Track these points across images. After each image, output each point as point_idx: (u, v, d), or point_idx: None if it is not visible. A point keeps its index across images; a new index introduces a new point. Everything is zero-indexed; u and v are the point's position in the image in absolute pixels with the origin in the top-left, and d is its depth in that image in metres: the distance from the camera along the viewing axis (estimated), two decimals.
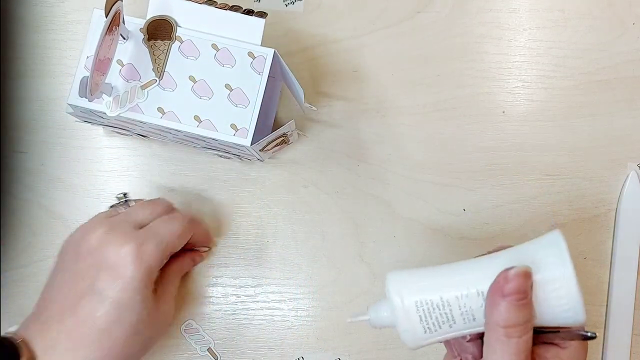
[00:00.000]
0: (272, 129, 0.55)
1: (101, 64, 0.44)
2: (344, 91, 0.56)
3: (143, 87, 0.46)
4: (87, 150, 0.56)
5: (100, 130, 0.56)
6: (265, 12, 0.47)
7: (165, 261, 0.45)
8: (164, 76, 0.47)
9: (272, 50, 0.47)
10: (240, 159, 0.54)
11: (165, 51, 0.47)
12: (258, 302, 0.54)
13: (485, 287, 0.36)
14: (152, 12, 0.47)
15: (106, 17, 0.42)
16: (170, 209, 0.49)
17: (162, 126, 0.46)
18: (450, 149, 0.55)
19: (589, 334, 0.36)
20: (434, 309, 0.36)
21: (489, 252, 0.39)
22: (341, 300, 0.54)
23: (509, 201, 0.55)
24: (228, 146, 0.48)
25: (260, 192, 0.55)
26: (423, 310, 0.37)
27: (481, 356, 0.37)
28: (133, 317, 0.43)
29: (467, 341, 0.39)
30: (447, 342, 0.42)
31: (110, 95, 0.46)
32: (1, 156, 0.56)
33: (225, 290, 0.54)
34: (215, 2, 0.48)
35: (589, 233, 0.54)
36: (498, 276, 0.35)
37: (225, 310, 0.54)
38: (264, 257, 0.55)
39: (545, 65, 0.56)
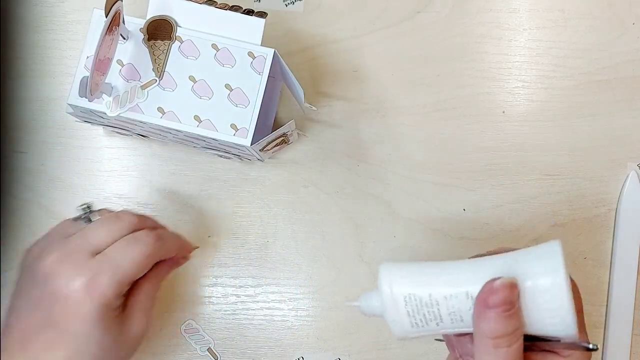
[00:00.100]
0: (272, 129, 0.55)
1: (101, 64, 0.44)
2: (344, 91, 0.56)
3: (143, 87, 0.46)
4: (87, 150, 0.56)
5: (100, 130, 0.56)
6: (265, 12, 0.47)
7: (126, 289, 0.42)
8: (164, 76, 0.47)
9: (272, 50, 0.47)
10: (240, 159, 0.54)
11: (165, 51, 0.47)
12: (258, 302, 0.54)
13: (474, 290, 0.35)
14: (152, 12, 0.47)
15: (106, 17, 0.41)
16: (135, 226, 0.43)
17: (162, 126, 0.46)
18: (450, 149, 0.55)
19: (590, 346, 0.36)
20: (422, 306, 0.36)
21: (489, 252, 0.39)
22: (341, 300, 0.54)
23: (509, 201, 0.55)
24: (228, 146, 0.48)
25: (260, 192, 0.55)
26: (411, 305, 0.36)
27: None
28: (93, 348, 0.40)
29: (457, 336, 0.39)
30: (450, 343, 0.42)
31: (110, 95, 0.46)
32: (1, 156, 0.56)
33: (225, 290, 0.54)
34: (215, 2, 0.48)
35: (589, 233, 0.54)
36: (484, 287, 0.35)
37: (225, 310, 0.54)
38: (264, 257, 0.55)
39: (545, 65, 0.56)
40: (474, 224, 0.55)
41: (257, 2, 0.57)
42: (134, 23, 0.47)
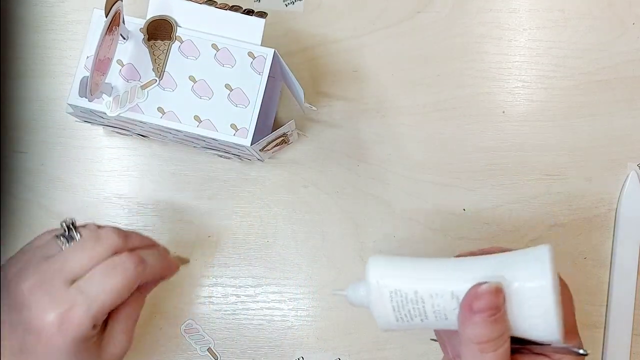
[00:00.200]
0: (272, 129, 0.55)
1: (101, 64, 0.44)
2: (344, 91, 0.56)
3: (143, 87, 0.46)
4: (87, 150, 0.56)
5: (100, 130, 0.56)
6: (265, 12, 0.47)
7: (103, 318, 0.40)
8: (164, 76, 0.47)
9: (272, 50, 0.47)
10: (240, 159, 0.54)
11: (165, 51, 0.47)
12: (258, 302, 0.54)
13: (459, 290, 0.35)
14: (152, 12, 0.47)
15: (106, 17, 0.41)
16: (116, 248, 0.40)
17: (162, 126, 0.46)
18: (450, 149, 0.55)
19: (580, 351, 0.36)
20: (407, 302, 0.36)
21: (480, 250, 0.39)
22: (341, 300, 0.53)
23: (509, 201, 0.55)
24: (228, 146, 0.48)
25: (260, 192, 0.55)
26: (397, 301, 0.37)
27: None
28: None
29: (447, 333, 0.39)
30: (443, 345, 0.42)
31: (110, 95, 0.46)
32: (1, 156, 0.56)
33: (225, 290, 0.54)
34: (215, 2, 0.48)
35: (589, 233, 0.54)
36: (469, 291, 0.35)
37: (225, 310, 0.54)
38: (264, 257, 0.55)
39: (545, 65, 0.56)
40: (474, 224, 0.55)
41: (257, 2, 0.57)
42: (134, 23, 0.47)
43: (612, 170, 0.55)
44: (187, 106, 0.46)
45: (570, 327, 0.37)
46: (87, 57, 0.46)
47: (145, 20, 0.47)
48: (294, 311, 0.54)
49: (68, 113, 0.50)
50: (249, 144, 0.46)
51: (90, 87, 0.42)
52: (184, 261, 0.48)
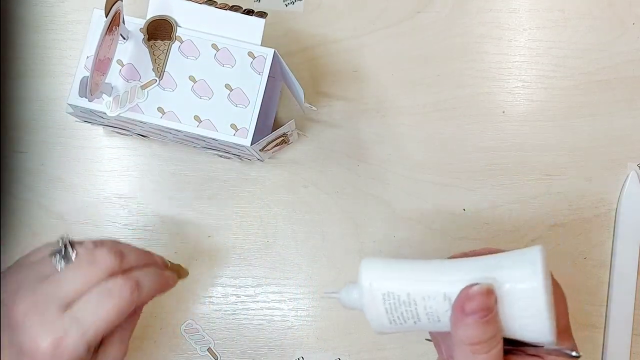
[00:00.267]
0: (272, 129, 0.55)
1: (101, 64, 0.44)
2: (344, 91, 0.56)
3: (143, 87, 0.46)
4: (87, 150, 0.56)
5: (100, 130, 0.56)
6: (265, 12, 0.47)
7: (97, 342, 0.39)
8: (164, 76, 0.47)
9: (272, 50, 0.47)
10: (240, 159, 0.54)
11: (165, 51, 0.47)
12: (258, 302, 0.54)
13: (452, 292, 0.35)
14: (152, 12, 0.47)
15: (106, 17, 0.41)
16: (112, 270, 0.40)
17: (162, 126, 0.46)
18: (450, 149, 0.55)
19: (572, 354, 0.36)
20: (400, 304, 0.36)
21: (472, 251, 0.39)
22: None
23: (509, 201, 0.55)
24: (228, 146, 0.48)
25: (260, 192, 0.55)
26: (390, 303, 0.36)
27: None
28: None
29: (440, 334, 0.38)
30: (437, 346, 0.42)
31: (110, 95, 0.46)
32: (1, 156, 0.56)
33: (225, 290, 0.54)
34: (215, 2, 0.48)
35: (589, 233, 0.54)
36: (460, 293, 0.35)
37: (225, 310, 0.54)
38: (264, 257, 0.55)
39: (545, 65, 0.56)
40: (474, 224, 0.55)
41: (257, 2, 0.57)
42: (134, 23, 0.47)
43: (612, 170, 0.55)
44: (187, 106, 0.46)
45: (563, 328, 0.36)
46: (87, 57, 0.46)
47: (145, 20, 0.47)
48: (294, 311, 0.54)
49: (68, 113, 0.50)
50: (249, 144, 0.46)
51: (90, 87, 0.42)
52: (183, 274, 0.48)
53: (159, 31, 0.47)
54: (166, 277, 0.45)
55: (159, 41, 0.47)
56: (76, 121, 0.52)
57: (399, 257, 0.54)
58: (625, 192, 0.54)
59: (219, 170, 0.55)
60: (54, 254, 0.40)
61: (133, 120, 0.46)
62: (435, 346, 0.42)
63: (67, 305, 0.38)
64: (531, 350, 0.36)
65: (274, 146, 0.51)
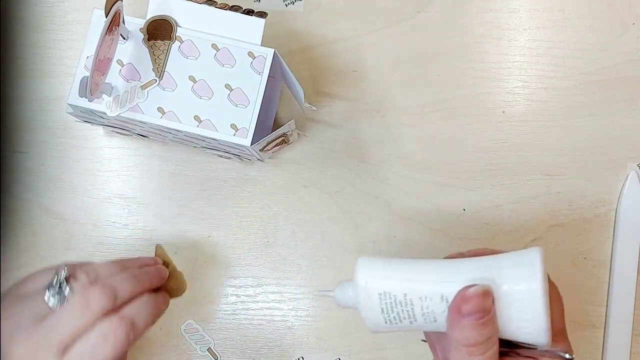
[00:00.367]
0: (272, 129, 0.55)
1: (101, 64, 0.44)
2: (344, 91, 0.56)
3: (143, 87, 0.46)
4: (87, 150, 0.56)
5: (100, 130, 0.56)
6: (265, 12, 0.47)
7: None
8: (164, 76, 0.47)
9: (272, 50, 0.47)
10: (240, 159, 0.54)
11: (165, 51, 0.47)
12: (258, 302, 0.54)
13: (449, 293, 0.35)
14: (152, 12, 0.47)
15: (106, 17, 0.41)
16: (108, 309, 0.40)
17: (162, 126, 0.46)
18: (450, 149, 0.55)
19: (566, 356, 0.35)
20: (396, 304, 0.36)
21: (469, 252, 0.39)
22: None
23: (509, 201, 0.55)
24: (228, 146, 0.48)
25: (260, 192, 0.55)
26: (386, 303, 0.36)
27: None
28: None
29: (436, 334, 0.38)
30: (432, 347, 0.42)
31: (110, 95, 0.46)
32: (1, 156, 0.56)
33: (225, 290, 0.54)
34: (215, 2, 0.48)
35: (589, 233, 0.54)
36: (457, 294, 0.34)
37: (225, 310, 0.54)
38: (264, 257, 0.55)
39: (545, 65, 0.56)
40: (474, 224, 0.55)
41: (257, 2, 0.57)
42: (134, 23, 0.47)
43: (612, 170, 0.55)
44: (187, 106, 0.46)
45: (559, 329, 0.36)
46: (87, 57, 0.46)
47: (145, 20, 0.47)
48: (294, 311, 0.54)
49: (68, 113, 0.50)
50: (249, 144, 0.46)
51: (90, 87, 0.42)
52: (179, 290, 0.47)
53: (159, 31, 0.47)
54: (159, 304, 0.44)
55: (159, 41, 0.47)
56: (76, 121, 0.52)
57: (399, 257, 0.54)
58: (625, 192, 0.54)
59: (219, 170, 0.55)
60: (48, 288, 0.40)
61: (133, 120, 0.46)
62: (430, 347, 0.42)
63: (64, 350, 0.38)
64: (525, 352, 0.36)
65: (274, 146, 0.51)
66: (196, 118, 0.46)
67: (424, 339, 0.43)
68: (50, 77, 0.56)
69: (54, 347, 0.38)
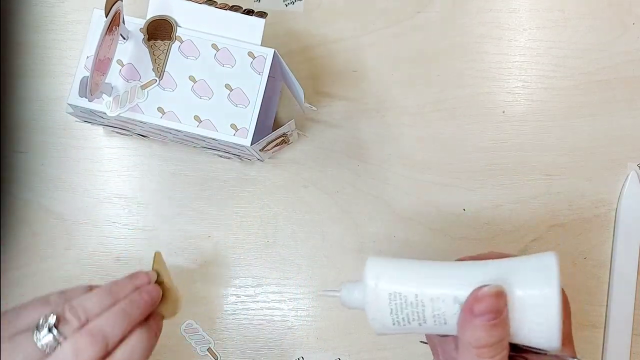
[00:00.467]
0: (272, 129, 0.55)
1: (101, 64, 0.44)
2: (344, 91, 0.56)
3: (143, 87, 0.46)
4: (87, 150, 0.56)
5: (100, 130, 0.56)
6: (265, 12, 0.47)
7: None
8: (164, 76, 0.47)
9: (272, 50, 0.47)
10: (240, 159, 0.54)
11: (165, 51, 0.47)
12: (258, 302, 0.54)
13: (462, 295, 0.35)
14: (152, 12, 0.47)
15: (106, 17, 0.41)
16: (101, 353, 0.38)
17: (162, 126, 0.46)
18: (450, 149, 0.55)
19: None
20: (406, 305, 0.36)
21: (478, 255, 0.39)
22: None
23: (509, 201, 0.55)
24: (228, 146, 0.48)
25: (260, 192, 0.55)
26: (395, 304, 0.36)
27: None
28: None
29: (441, 335, 0.38)
30: (433, 348, 0.41)
31: (110, 95, 0.46)
32: (1, 156, 0.56)
33: (225, 290, 0.54)
34: (215, 2, 0.48)
35: (589, 233, 0.54)
36: (471, 294, 0.34)
37: (225, 310, 0.54)
38: (264, 257, 0.55)
39: (545, 65, 0.56)
40: (474, 224, 0.55)
41: (257, 2, 0.57)
42: (134, 23, 0.47)
43: (612, 170, 0.55)
44: (187, 106, 0.46)
45: (565, 333, 0.36)
46: (87, 57, 0.46)
47: (145, 20, 0.47)
48: (294, 311, 0.54)
49: (68, 113, 0.49)
50: (249, 144, 0.46)
51: (90, 87, 0.42)
52: (172, 312, 0.45)
53: (159, 31, 0.47)
54: (151, 338, 0.42)
55: (159, 41, 0.47)
56: (76, 121, 0.52)
57: (399, 257, 0.54)
58: (625, 192, 0.54)
59: (219, 170, 0.55)
60: (38, 329, 0.38)
61: (133, 120, 0.46)
62: (431, 349, 0.42)
63: None
64: (533, 357, 0.36)
65: (274, 146, 0.51)
66: (196, 118, 0.46)
67: (424, 340, 0.43)
68: (50, 77, 0.56)
69: None
